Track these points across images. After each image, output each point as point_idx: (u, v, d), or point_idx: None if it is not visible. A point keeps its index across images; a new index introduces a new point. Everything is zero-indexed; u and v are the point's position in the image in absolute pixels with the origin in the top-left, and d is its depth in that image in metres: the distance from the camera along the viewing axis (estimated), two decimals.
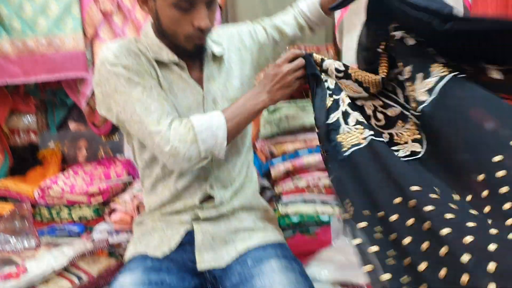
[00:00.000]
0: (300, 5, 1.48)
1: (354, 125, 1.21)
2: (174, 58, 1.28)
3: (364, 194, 1.04)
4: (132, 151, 1.41)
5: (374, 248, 0.95)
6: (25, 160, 2.23)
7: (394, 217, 0.95)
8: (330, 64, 1.23)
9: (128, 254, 1.37)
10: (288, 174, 1.85)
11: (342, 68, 1.23)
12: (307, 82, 1.26)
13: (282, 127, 1.85)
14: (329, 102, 1.23)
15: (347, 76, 1.23)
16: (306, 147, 1.88)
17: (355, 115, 1.22)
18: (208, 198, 1.34)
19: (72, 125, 2.27)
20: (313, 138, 1.87)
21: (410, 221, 0.93)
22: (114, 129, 2.18)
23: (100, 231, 1.73)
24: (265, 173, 1.93)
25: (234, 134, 1.24)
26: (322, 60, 1.25)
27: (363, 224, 0.98)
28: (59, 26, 2.01)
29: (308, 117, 1.85)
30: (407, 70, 1.16)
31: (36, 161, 2.19)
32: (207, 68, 1.34)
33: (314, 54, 1.26)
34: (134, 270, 1.22)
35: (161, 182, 1.35)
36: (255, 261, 1.23)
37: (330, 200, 1.79)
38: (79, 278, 1.41)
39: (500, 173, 0.92)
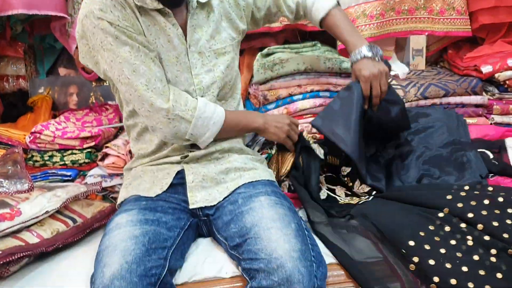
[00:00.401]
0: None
1: (346, 196, 1.54)
2: (158, 5, 1.23)
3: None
4: (118, 101, 1.40)
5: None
6: (15, 107, 2.19)
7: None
8: (315, 148, 1.53)
9: (120, 197, 1.38)
10: None
11: (322, 154, 1.53)
12: (296, 151, 1.50)
13: (276, 71, 1.82)
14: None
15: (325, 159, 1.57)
16: (300, 92, 1.85)
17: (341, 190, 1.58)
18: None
19: (62, 71, 2.22)
20: (307, 83, 1.84)
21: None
22: None
23: (93, 176, 1.73)
24: None
25: (221, 135, 1.32)
26: (309, 141, 1.54)
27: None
28: None
29: (303, 61, 1.82)
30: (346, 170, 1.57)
31: (26, 107, 2.16)
32: (192, 17, 1.30)
33: (305, 132, 1.60)
34: (130, 211, 1.23)
35: (148, 131, 1.34)
36: (245, 199, 1.24)
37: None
38: (73, 220, 1.41)
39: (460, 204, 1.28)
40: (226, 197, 1.29)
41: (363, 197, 1.49)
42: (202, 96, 1.31)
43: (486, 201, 1.26)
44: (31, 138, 1.76)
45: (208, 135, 1.28)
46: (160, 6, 1.23)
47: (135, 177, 1.36)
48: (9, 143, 1.81)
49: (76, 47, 2.03)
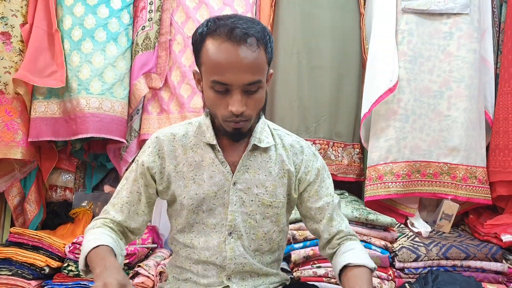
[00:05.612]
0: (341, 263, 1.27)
1: None
2: (213, 141, 1.30)
3: None
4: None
5: None
6: (57, 216, 2.32)
7: None
8: None
9: None
10: (308, 260, 1.91)
11: None
12: None
13: None
14: None
15: None
16: None
17: None
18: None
19: (107, 188, 2.40)
20: None
21: None
22: None
23: None
24: (285, 256, 1.98)
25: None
26: None
27: None
28: (112, 92, 2.19)
29: None
30: None
31: (67, 218, 2.29)
32: (248, 158, 1.31)
33: None
34: None
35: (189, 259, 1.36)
36: None
37: None
38: None
39: None
40: None
41: None
42: (230, 234, 1.28)
43: None
44: (71, 248, 1.85)
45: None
46: (214, 142, 1.29)
47: None
48: (49, 249, 1.89)
49: (126, 169, 2.24)
